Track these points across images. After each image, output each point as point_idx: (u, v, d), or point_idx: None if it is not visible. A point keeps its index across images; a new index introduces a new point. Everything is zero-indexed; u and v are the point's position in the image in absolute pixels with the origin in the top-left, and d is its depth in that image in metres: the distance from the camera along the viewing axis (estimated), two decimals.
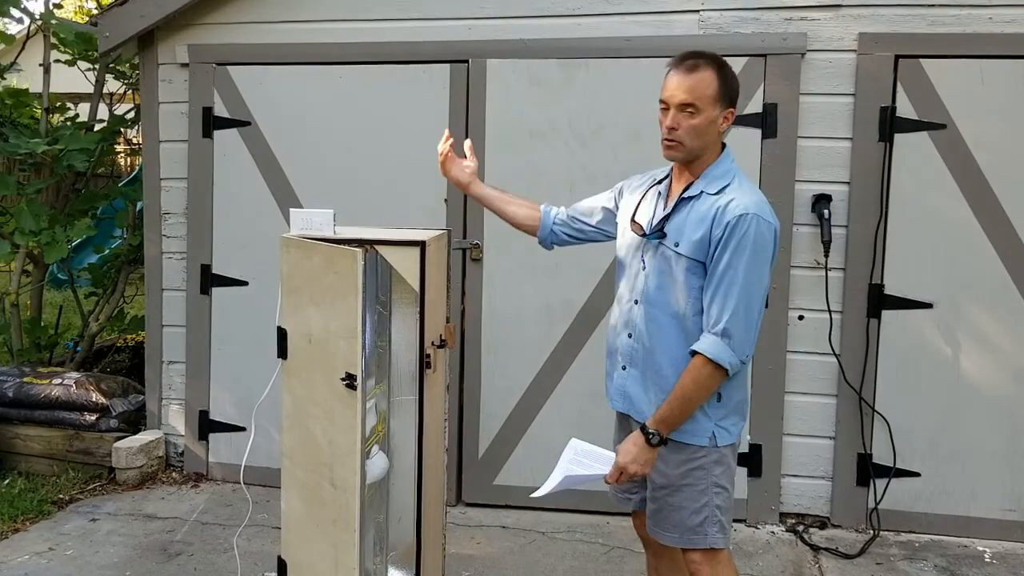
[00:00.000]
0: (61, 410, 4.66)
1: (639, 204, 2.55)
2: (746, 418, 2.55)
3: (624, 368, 2.52)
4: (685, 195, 2.39)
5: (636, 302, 2.48)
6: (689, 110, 2.31)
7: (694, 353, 2.31)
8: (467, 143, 2.94)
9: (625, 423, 2.60)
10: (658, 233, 2.41)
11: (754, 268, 2.28)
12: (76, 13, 10.47)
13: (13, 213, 4.96)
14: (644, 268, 2.46)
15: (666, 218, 2.41)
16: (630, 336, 2.50)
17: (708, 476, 2.42)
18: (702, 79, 2.30)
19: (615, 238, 2.68)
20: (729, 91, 2.36)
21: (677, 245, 2.36)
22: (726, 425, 2.42)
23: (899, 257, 3.93)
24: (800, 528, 4.03)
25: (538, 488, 2.46)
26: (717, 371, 2.29)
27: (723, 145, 2.46)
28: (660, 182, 2.54)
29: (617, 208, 2.69)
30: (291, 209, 2.87)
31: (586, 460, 2.47)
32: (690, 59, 2.33)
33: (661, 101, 2.38)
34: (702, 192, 2.37)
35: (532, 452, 4.22)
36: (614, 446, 2.54)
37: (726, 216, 2.29)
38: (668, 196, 2.48)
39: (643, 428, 2.35)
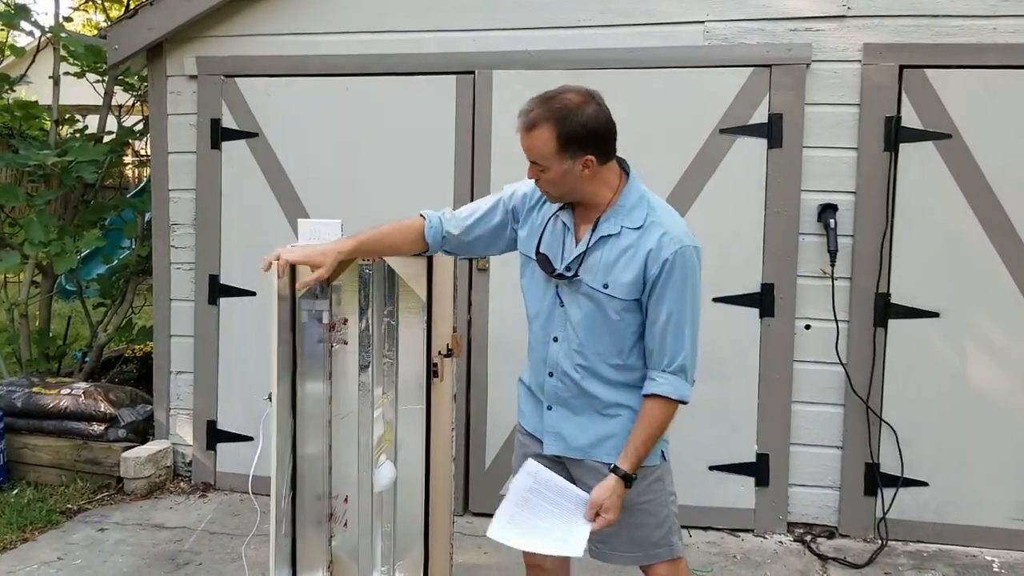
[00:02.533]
0: (69, 420, 4.68)
1: (542, 235, 2.37)
2: None
3: (550, 408, 2.40)
4: (602, 233, 2.26)
5: (555, 339, 2.36)
6: (539, 167, 2.23)
7: (654, 395, 2.25)
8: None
9: (535, 445, 2.46)
10: (575, 275, 2.28)
11: (694, 299, 2.26)
12: (84, 26, 10.54)
13: (22, 224, 4.99)
14: (562, 305, 2.33)
15: (582, 256, 2.28)
16: (551, 375, 2.38)
17: (664, 487, 2.41)
18: (539, 137, 2.18)
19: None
20: (573, 140, 2.17)
21: (606, 287, 2.25)
22: (666, 437, 2.39)
23: (905, 266, 3.93)
24: (808, 538, 4.02)
25: (490, 527, 2.31)
26: (678, 406, 2.28)
27: (623, 170, 2.32)
28: (560, 211, 2.36)
29: (513, 230, 2.49)
30: (299, 220, 2.89)
31: (549, 493, 2.31)
32: (530, 115, 2.19)
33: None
34: (622, 228, 2.25)
35: None
36: (518, 464, 2.44)
37: (662, 253, 2.19)
38: (576, 230, 2.32)
39: (623, 475, 2.24)
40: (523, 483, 2.33)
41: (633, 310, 2.27)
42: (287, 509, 2.89)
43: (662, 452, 2.39)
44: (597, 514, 2.25)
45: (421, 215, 2.56)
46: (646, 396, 2.27)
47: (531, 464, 2.35)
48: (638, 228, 2.24)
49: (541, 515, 2.29)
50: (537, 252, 2.36)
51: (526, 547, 2.29)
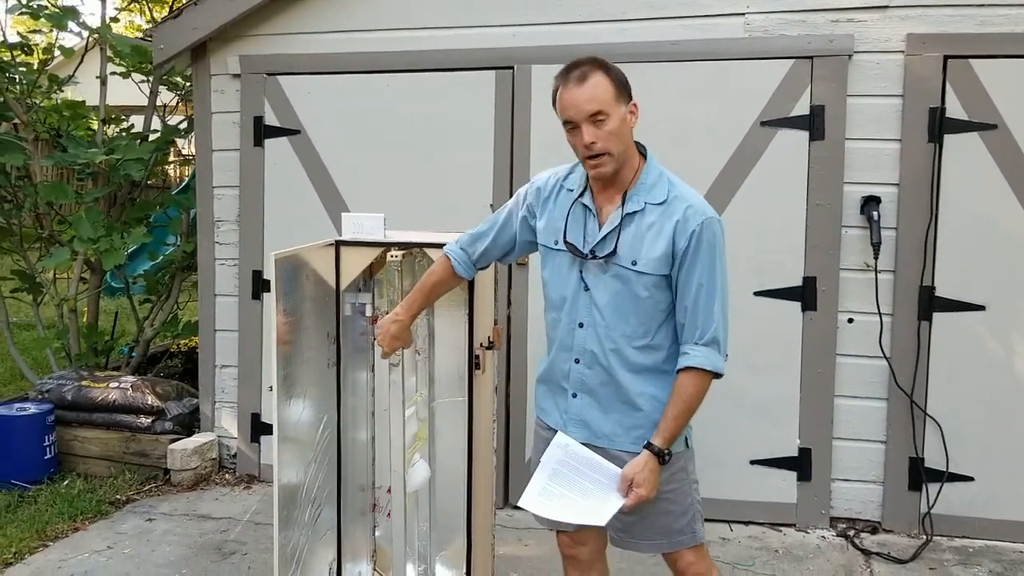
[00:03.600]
0: (118, 413, 4.78)
1: (567, 223, 2.37)
2: None
3: (575, 396, 2.39)
4: (628, 210, 2.28)
5: (581, 325, 2.35)
6: (599, 118, 2.20)
7: (689, 368, 2.25)
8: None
9: (550, 437, 2.43)
10: (607, 255, 2.29)
11: (722, 270, 2.28)
12: (128, 28, 10.73)
13: (71, 221, 5.11)
14: (587, 289, 2.33)
15: (608, 237, 2.29)
16: (577, 362, 2.37)
17: (688, 476, 2.40)
18: (597, 84, 2.20)
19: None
20: (623, 84, 2.26)
21: (635, 264, 2.26)
22: (690, 423, 2.37)
23: (950, 259, 3.88)
24: (851, 533, 3.99)
25: (522, 497, 2.31)
26: (712, 379, 2.28)
27: (641, 148, 2.36)
28: (581, 195, 2.37)
29: (531, 229, 2.50)
30: (343, 213, 2.93)
31: (581, 467, 2.30)
32: (574, 71, 2.23)
33: (565, 122, 2.25)
34: (645, 204, 2.28)
35: None
36: (538, 459, 2.42)
37: (689, 225, 2.22)
38: (600, 212, 2.34)
39: (655, 451, 2.25)
40: (554, 455, 2.33)
41: (662, 287, 2.28)
42: (332, 498, 2.94)
43: (686, 439, 2.38)
44: (630, 490, 2.25)
45: (454, 273, 2.62)
46: (680, 371, 2.27)
47: (561, 437, 2.36)
48: (661, 203, 2.27)
49: (573, 488, 2.29)
50: (564, 240, 2.36)
51: (556, 517, 2.28)
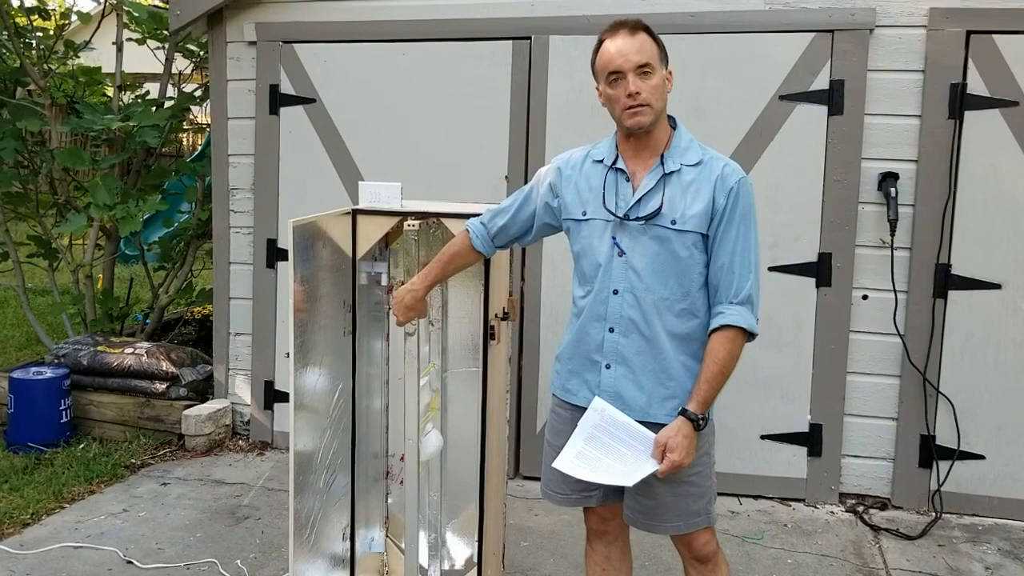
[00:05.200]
0: (133, 378, 4.82)
1: (604, 190, 2.35)
2: None
3: (608, 367, 2.35)
4: (667, 171, 2.28)
5: (615, 292, 2.32)
6: (645, 70, 2.22)
7: (722, 327, 2.24)
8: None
9: (578, 415, 2.38)
10: (651, 214, 2.27)
11: (756, 229, 2.31)
12: None
13: (87, 187, 5.12)
14: (623, 254, 2.31)
15: (645, 198, 2.28)
16: (612, 331, 2.34)
17: (710, 459, 2.38)
18: (645, 40, 2.25)
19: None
20: (663, 50, 2.30)
21: (675, 223, 2.26)
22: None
23: (967, 237, 3.86)
24: (860, 509, 4.00)
25: (557, 459, 2.31)
26: (746, 339, 2.27)
27: (670, 118, 2.37)
28: (612, 165, 2.35)
29: (559, 208, 2.46)
30: (360, 182, 2.94)
31: (617, 432, 2.29)
32: (624, 25, 2.27)
33: (611, 73, 2.25)
34: (681, 166, 2.29)
35: None
36: (554, 440, 2.43)
37: (728, 183, 2.26)
38: (633, 176, 2.33)
39: (692, 416, 2.23)
40: (590, 419, 2.33)
41: (700, 247, 2.28)
42: (346, 465, 2.97)
43: (710, 418, 2.35)
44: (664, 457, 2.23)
45: (472, 248, 2.60)
46: (712, 333, 2.27)
47: (598, 402, 2.34)
48: (696, 164, 2.29)
49: (609, 452, 2.28)
50: (603, 204, 2.35)
51: (588, 478, 2.28)
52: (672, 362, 2.31)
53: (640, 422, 2.31)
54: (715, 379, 2.25)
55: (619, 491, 2.42)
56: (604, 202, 2.33)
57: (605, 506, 2.50)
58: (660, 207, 2.26)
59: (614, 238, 2.32)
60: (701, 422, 2.24)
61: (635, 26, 2.26)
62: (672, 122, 2.37)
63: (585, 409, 2.36)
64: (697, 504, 2.38)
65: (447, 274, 2.68)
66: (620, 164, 2.34)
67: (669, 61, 2.31)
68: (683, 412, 2.25)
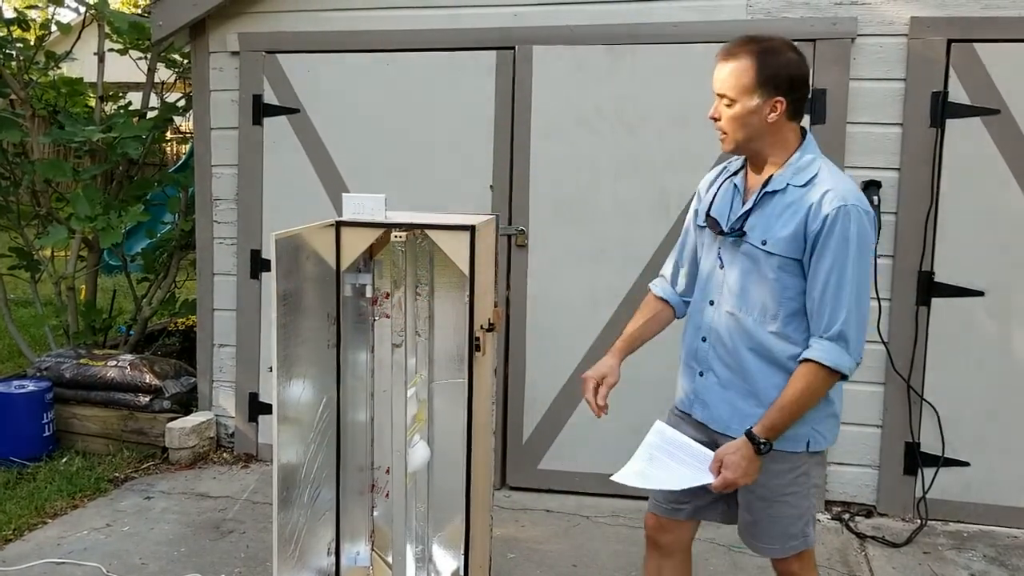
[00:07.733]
0: (116, 391, 4.79)
1: (713, 199, 2.41)
2: (839, 424, 2.39)
3: (701, 375, 2.39)
4: (768, 189, 2.25)
5: (711, 303, 2.36)
6: (725, 101, 2.23)
7: (805, 360, 2.17)
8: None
9: (687, 424, 2.45)
10: (738, 231, 2.28)
11: (860, 263, 2.15)
12: (124, 3, 10.65)
13: (69, 199, 5.08)
14: (721, 267, 2.33)
15: (747, 214, 2.28)
16: (704, 340, 2.37)
17: (809, 480, 2.33)
18: (735, 68, 2.20)
19: None
20: (771, 78, 2.19)
21: (764, 243, 2.22)
22: (822, 430, 2.30)
23: (950, 244, 3.89)
24: (846, 516, 4.01)
25: (616, 473, 2.33)
26: (832, 377, 2.17)
27: (803, 132, 2.31)
28: (735, 174, 2.40)
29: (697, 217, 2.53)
30: (344, 194, 2.92)
31: (676, 452, 2.32)
32: (732, 46, 2.24)
33: None
34: (788, 185, 2.23)
35: (576, 437, 4.25)
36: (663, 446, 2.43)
37: (823, 209, 2.14)
38: (746, 190, 2.35)
39: (753, 438, 2.19)
40: (650, 440, 2.37)
41: (791, 271, 2.22)
42: (331, 478, 2.95)
43: (808, 442, 2.28)
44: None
45: (655, 296, 2.61)
46: (800, 362, 2.20)
47: (658, 424, 2.41)
48: (803, 186, 2.22)
49: (667, 470, 2.31)
50: (707, 215, 2.38)
51: (642, 485, 2.31)
52: (760, 383, 2.27)
53: (719, 434, 2.33)
54: (787, 408, 2.18)
55: (704, 511, 2.49)
56: (709, 211, 2.39)
57: (667, 519, 2.53)
58: (752, 225, 2.26)
59: (719, 250, 2.36)
60: (763, 446, 2.18)
61: (732, 53, 2.23)
62: (804, 132, 2.32)
63: (687, 413, 2.45)
64: (794, 527, 2.35)
65: (643, 339, 2.61)
66: (738, 179, 2.38)
67: (785, 87, 2.20)
68: (748, 432, 2.21)
